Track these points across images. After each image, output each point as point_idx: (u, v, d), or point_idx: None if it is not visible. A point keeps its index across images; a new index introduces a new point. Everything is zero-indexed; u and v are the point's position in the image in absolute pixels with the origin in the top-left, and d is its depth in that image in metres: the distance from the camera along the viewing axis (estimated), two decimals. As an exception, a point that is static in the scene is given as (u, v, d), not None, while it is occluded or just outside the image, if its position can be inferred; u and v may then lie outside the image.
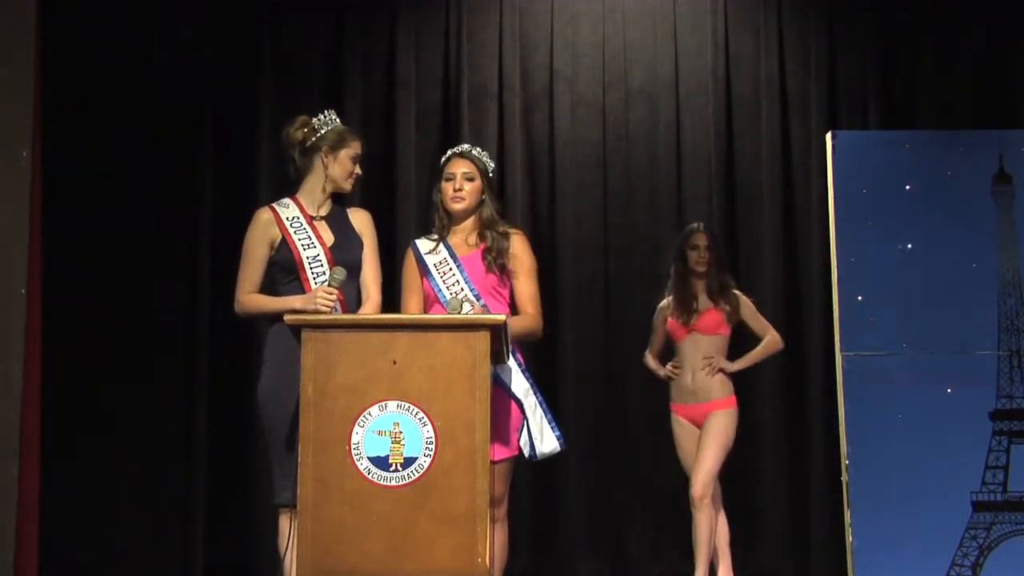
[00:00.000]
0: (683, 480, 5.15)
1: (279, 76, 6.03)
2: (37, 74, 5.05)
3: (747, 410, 5.29)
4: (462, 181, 4.11)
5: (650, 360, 5.32)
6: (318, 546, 3.28)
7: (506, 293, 4.10)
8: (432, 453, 3.31)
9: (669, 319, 5.19)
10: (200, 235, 5.84)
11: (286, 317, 3.50)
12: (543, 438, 3.96)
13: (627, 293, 6.04)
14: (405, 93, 6.10)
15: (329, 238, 3.96)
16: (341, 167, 4.01)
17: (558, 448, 3.99)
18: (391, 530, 3.28)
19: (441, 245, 4.12)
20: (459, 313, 3.56)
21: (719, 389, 5.08)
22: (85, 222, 5.59)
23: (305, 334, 3.38)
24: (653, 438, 5.65)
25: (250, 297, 3.94)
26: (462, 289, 4.01)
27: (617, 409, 5.99)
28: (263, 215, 3.99)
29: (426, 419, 3.33)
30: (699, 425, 5.09)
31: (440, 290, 4.02)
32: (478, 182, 4.13)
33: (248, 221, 4.01)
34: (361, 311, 3.94)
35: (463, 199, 4.11)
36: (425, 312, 4.07)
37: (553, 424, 3.99)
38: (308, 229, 3.95)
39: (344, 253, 3.94)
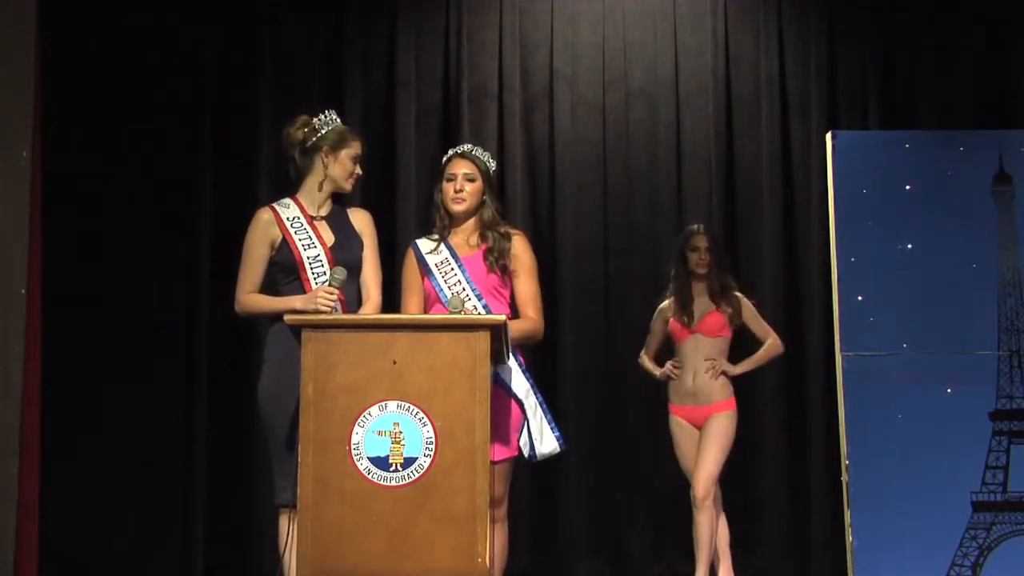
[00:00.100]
0: (683, 480, 5.15)
1: (279, 76, 6.03)
2: (37, 74, 5.05)
3: (747, 410, 5.29)
4: (463, 182, 4.11)
5: (646, 361, 5.32)
6: (318, 546, 3.28)
7: (507, 294, 4.10)
8: (432, 453, 3.31)
9: (671, 320, 5.19)
10: (200, 235, 5.84)
11: (286, 317, 3.50)
12: (543, 439, 3.96)
13: (627, 293, 6.04)
14: (405, 93, 6.10)
15: (329, 238, 3.96)
16: (341, 167, 4.01)
17: (558, 449, 3.99)
18: (391, 530, 3.28)
19: (442, 245, 4.12)
20: (460, 311, 3.56)
21: (719, 391, 5.08)
22: (85, 222, 5.59)
23: (305, 334, 3.38)
24: (653, 438, 5.65)
25: (250, 297, 3.94)
26: (463, 289, 4.01)
27: (617, 409, 5.99)
28: (263, 215, 3.99)
29: (426, 419, 3.33)
30: (699, 427, 5.09)
31: (441, 290, 4.02)
32: (479, 183, 4.12)
33: (248, 221, 4.01)
34: (361, 311, 3.94)
35: (464, 200, 4.11)
36: (426, 312, 4.07)
37: (553, 425, 3.99)
38: (308, 229, 3.95)
39: (344, 253, 3.94)
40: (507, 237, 4.10)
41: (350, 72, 6.09)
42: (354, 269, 3.94)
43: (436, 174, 4.29)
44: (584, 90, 6.19)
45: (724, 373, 5.09)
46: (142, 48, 5.79)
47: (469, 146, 4.23)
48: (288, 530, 3.68)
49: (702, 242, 5.20)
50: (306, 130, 4.01)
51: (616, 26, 6.21)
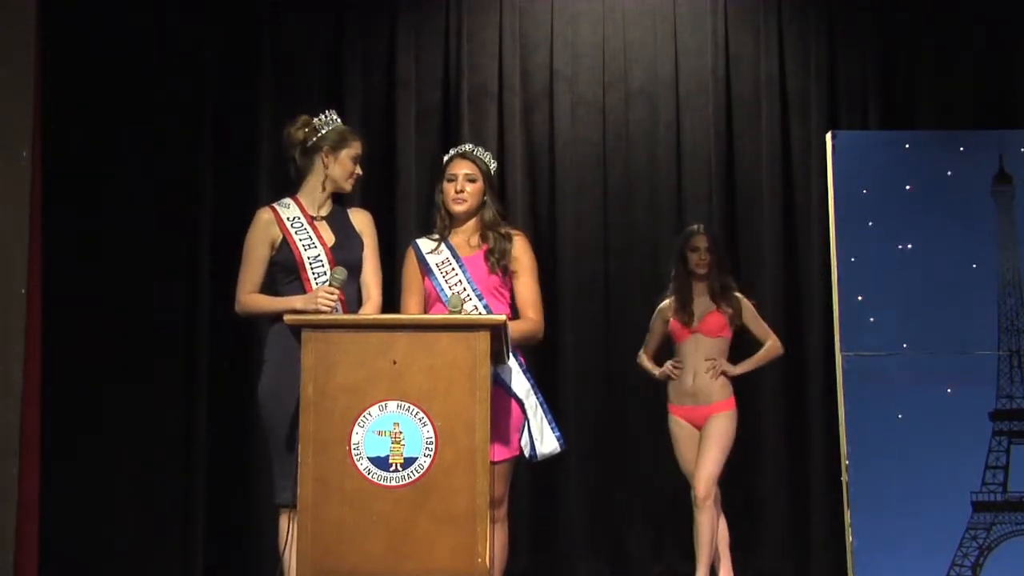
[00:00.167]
0: (683, 480, 5.15)
1: (279, 76, 6.03)
2: (37, 74, 5.05)
3: (747, 410, 5.29)
4: (464, 182, 4.10)
5: (645, 361, 5.32)
6: (318, 546, 3.27)
7: (507, 294, 4.10)
8: (432, 453, 3.31)
9: (671, 320, 5.19)
10: (200, 235, 5.84)
11: (286, 317, 3.50)
12: (543, 439, 3.96)
13: (627, 293, 6.04)
14: (405, 93, 6.10)
15: (330, 238, 3.96)
16: (342, 167, 4.01)
17: (558, 449, 3.99)
18: (391, 530, 3.28)
19: (443, 245, 4.12)
20: (459, 310, 3.56)
21: (719, 391, 5.08)
22: (85, 222, 5.59)
23: (305, 334, 3.38)
24: (653, 438, 5.65)
25: (251, 297, 3.94)
26: (464, 289, 4.01)
27: (617, 409, 5.99)
28: (264, 215, 3.99)
29: (426, 419, 3.33)
30: (698, 427, 5.09)
31: (442, 289, 4.02)
32: (480, 183, 4.12)
33: (248, 221, 4.01)
34: (361, 311, 3.94)
35: (465, 200, 4.10)
36: (426, 312, 4.07)
37: (553, 425, 3.99)
38: (309, 229, 3.95)
39: (345, 253, 3.94)
40: (508, 238, 4.10)
41: (350, 72, 6.09)
42: (354, 269, 3.94)
43: (436, 174, 4.28)
44: (584, 90, 6.19)
45: (724, 373, 5.09)
46: (142, 48, 5.79)
47: (470, 146, 4.23)
48: (288, 530, 3.68)
49: (702, 242, 5.20)
50: (307, 130, 4.01)
51: (616, 26, 6.21)
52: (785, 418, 5.95)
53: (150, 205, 5.73)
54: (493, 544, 3.56)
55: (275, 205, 4.03)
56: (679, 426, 5.14)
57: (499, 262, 4.05)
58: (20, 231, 4.89)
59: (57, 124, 5.35)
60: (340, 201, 4.11)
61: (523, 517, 5.65)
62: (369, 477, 3.30)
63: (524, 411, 3.95)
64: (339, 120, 4.06)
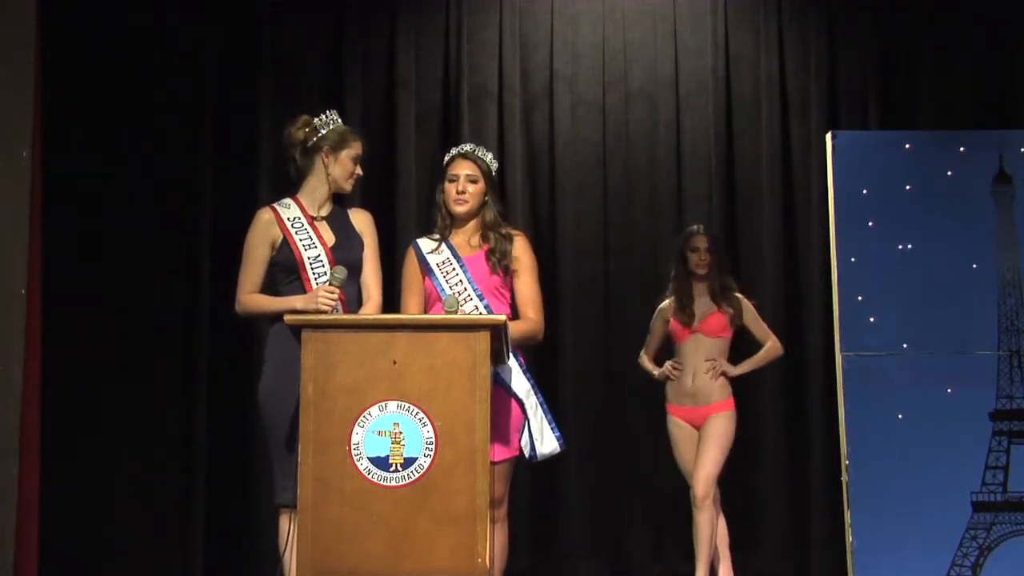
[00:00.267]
0: (683, 480, 5.15)
1: (279, 76, 6.03)
2: (37, 74, 5.05)
3: (747, 410, 5.29)
4: (465, 183, 4.10)
5: (645, 361, 5.32)
6: (318, 546, 3.27)
7: (508, 294, 4.10)
8: (432, 453, 3.31)
9: (672, 321, 5.18)
10: (200, 235, 5.85)
11: (286, 317, 3.50)
12: (543, 439, 3.96)
13: (627, 293, 6.04)
14: (405, 93, 6.10)
15: (330, 238, 3.96)
16: (341, 167, 4.00)
17: (558, 449, 3.99)
18: (391, 530, 3.28)
19: (443, 245, 4.11)
20: (455, 311, 3.56)
21: (718, 392, 5.08)
22: (85, 222, 5.59)
23: (305, 334, 3.38)
24: (653, 438, 5.64)
25: (251, 297, 3.94)
26: (464, 289, 4.01)
27: (617, 409, 5.99)
28: (264, 215, 3.99)
29: (426, 419, 3.33)
30: (697, 427, 5.08)
31: (443, 289, 4.01)
32: (481, 184, 4.12)
33: (248, 221, 4.01)
34: (362, 311, 3.94)
35: (466, 202, 4.10)
36: (426, 311, 4.07)
37: (553, 425, 3.99)
38: (309, 229, 3.95)
39: (345, 253, 3.94)
40: (508, 238, 4.09)
41: (350, 72, 6.09)
42: (355, 269, 3.94)
43: (437, 173, 4.28)
44: (584, 90, 6.19)
45: (724, 374, 5.08)
46: (142, 48, 5.79)
47: (472, 146, 4.21)
48: (288, 530, 3.68)
49: (702, 243, 5.20)
50: (307, 130, 4.01)
51: (616, 26, 6.21)
52: (785, 418, 5.95)
53: (150, 205, 5.73)
54: (493, 544, 3.56)
55: (275, 205, 4.03)
56: (678, 427, 5.14)
57: (500, 262, 4.05)
58: (20, 231, 4.89)
59: (57, 124, 5.35)
60: (340, 201, 4.11)
61: (523, 517, 5.65)
62: (369, 477, 3.30)
63: (524, 411, 3.95)
64: (339, 120, 4.06)
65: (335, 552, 3.27)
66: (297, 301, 3.80)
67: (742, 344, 5.23)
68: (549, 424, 3.98)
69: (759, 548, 5.88)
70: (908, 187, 5.07)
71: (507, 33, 6.17)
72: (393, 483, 3.30)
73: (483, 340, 3.37)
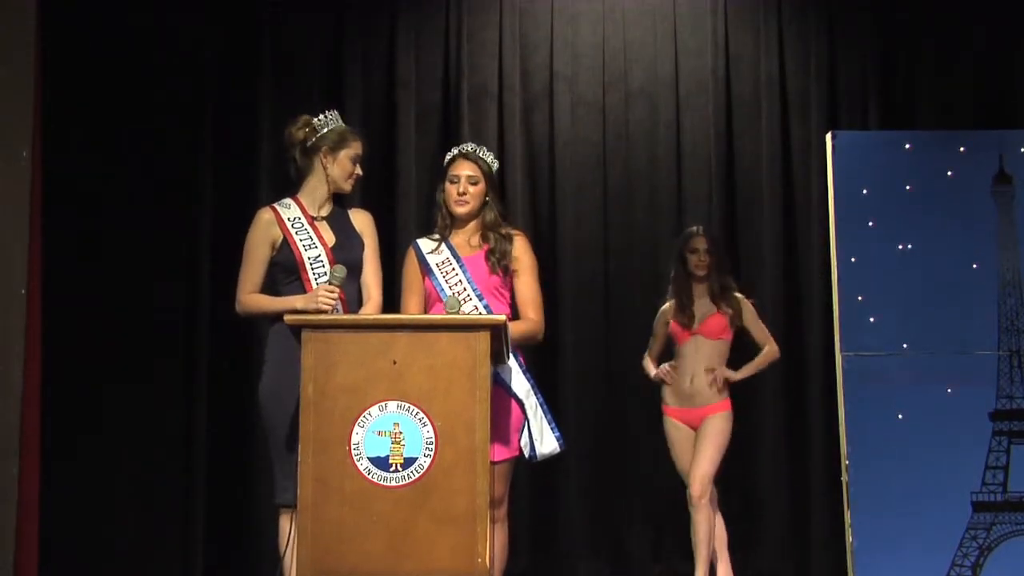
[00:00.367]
0: (682, 480, 5.15)
1: (279, 76, 6.03)
2: (37, 74, 5.05)
3: (747, 410, 5.30)
4: (466, 184, 4.09)
5: (648, 364, 5.31)
6: (318, 546, 3.28)
7: (508, 294, 4.10)
8: (432, 453, 3.31)
9: (672, 322, 5.18)
10: (200, 235, 5.84)
11: (286, 317, 3.50)
12: (543, 439, 3.96)
13: (627, 293, 6.04)
14: (405, 93, 6.10)
15: (330, 238, 3.96)
16: (341, 168, 4.00)
17: (558, 449, 3.99)
18: (391, 530, 3.28)
19: (443, 245, 4.11)
20: (457, 311, 3.56)
21: (715, 393, 5.07)
22: (85, 222, 5.59)
23: (305, 334, 3.38)
24: (653, 438, 5.63)
25: (251, 297, 3.94)
26: (464, 289, 4.01)
27: (617, 409, 5.99)
28: (264, 215, 3.99)
29: (426, 419, 3.33)
30: (694, 428, 5.08)
31: (443, 289, 4.01)
32: (482, 185, 4.11)
33: (248, 221, 4.01)
34: (362, 311, 3.94)
35: (467, 202, 4.10)
36: (426, 312, 4.07)
37: (553, 425, 3.99)
38: (309, 229, 3.95)
39: (345, 253, 3.94)
40: (508, 238, 4.09)
41: (350, 72, 6.09)
42: (355, 269, 3.94)
43: (437, 174, 4.28)
44: (584, 90, 6.19)
45: (726, 379, 5.07)
46: (142, 48, 5.79)
47: (472, 146, 4.21)
48: (289, 530, 3.68)
49: (701, 244, 5.19)
50: (307, 130, 4.01)
51: (616, 26, 6.21)
52: (785, 418, 5.95)
53: (150, 205, 5.73)
54: (493, 544, 3.56)
55: (276, 205, 4.03)
56: (675, 428, 5.14)
57: (500, 262, 4.05)
58: (20, 231, 4.89)
59: (57, 124, 5.35)
60: (340, 201, 4.11)
61: (523, 517, 5.65)
62: (369, 477, 3.30)
63: (524, 411, 3.95)
64: (339, 120, 4.06)
65: (335, 552, 3.27)
66: (297, 301, 3.80)
67: (742, 346, 5.23)
68: (549, 424, 3.98)
69: (759, 548, 5.88)
70: (908, 187, 5.07)
71: (507, 33, 6.17)
72: (393, 483, 3.30)
73: (483, 340, 3.37)
